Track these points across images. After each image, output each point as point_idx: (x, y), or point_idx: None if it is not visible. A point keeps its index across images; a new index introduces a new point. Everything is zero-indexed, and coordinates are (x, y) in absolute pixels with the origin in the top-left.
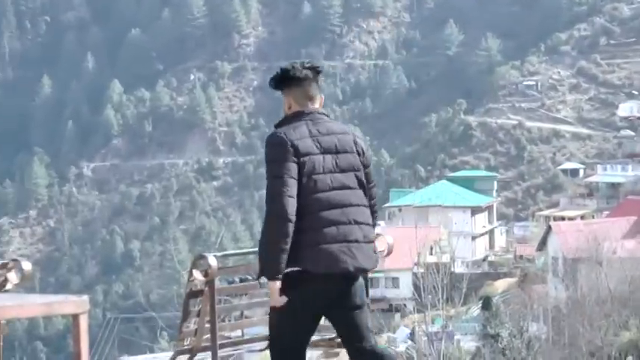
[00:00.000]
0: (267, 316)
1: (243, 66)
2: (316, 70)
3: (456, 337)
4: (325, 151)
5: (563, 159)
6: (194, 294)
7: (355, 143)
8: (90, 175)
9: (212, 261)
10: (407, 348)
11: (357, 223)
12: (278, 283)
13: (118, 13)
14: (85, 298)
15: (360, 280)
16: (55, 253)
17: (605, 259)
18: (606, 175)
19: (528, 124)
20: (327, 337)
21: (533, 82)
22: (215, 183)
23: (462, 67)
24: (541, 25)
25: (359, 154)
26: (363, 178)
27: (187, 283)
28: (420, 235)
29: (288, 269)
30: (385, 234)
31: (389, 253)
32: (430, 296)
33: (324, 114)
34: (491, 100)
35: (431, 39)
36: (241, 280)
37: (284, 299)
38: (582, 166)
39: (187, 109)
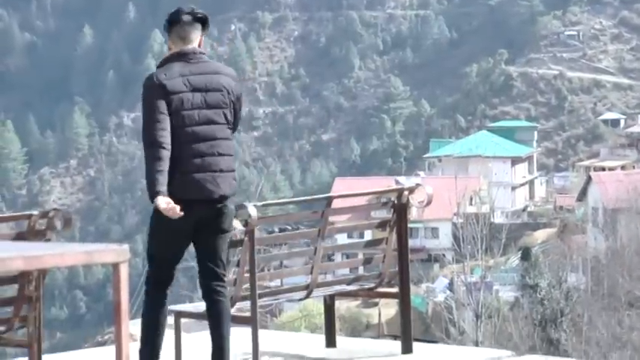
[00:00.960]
0: (306, 266)
1: (284, 16)
2: (195, 17)
3: (494, 288)
4: (194, 89)
5: (603, 109)
6: (234, 244)
7: (226, 83)
8: (130, 125)
9: (252, 211)
10: (446, 298)
11: (220, 154)
12: (160, 200)
13: None
14: (125, 247)
15: (228, 208)
16: (95, 203)
17: None
18: None
19: (569, 74)
20: (367, 286)
21: (575, 32)
22: (255, 133)
23: (503, 17)
24: None
25: (228, 93)
26: (230, 115)
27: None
28: (459, 186)
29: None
30: (425, 184)
31: (428, 203)
32: (469, 246)
33: (202, 54)
34: (533, 50)
35: None
36: (280, 230)
37: (172, 211)
38: (623, 116)
39: (228, 59)
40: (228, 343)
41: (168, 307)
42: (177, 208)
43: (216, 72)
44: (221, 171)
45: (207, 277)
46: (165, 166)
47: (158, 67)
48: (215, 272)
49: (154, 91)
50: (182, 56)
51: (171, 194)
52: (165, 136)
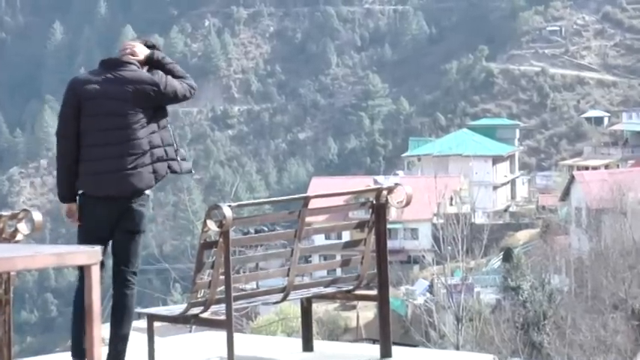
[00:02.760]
0: (283, 268)
1: (260, 11)
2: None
3: (475, 290)
4: (102, 97)
5: (587, 107)
6: (208, 245)
7: (135, 90)
8: None
9: (227, 211)
10: (425, 301)
11: (121, 156)
12: (66, 205)
13: None
14: (97, 248)
15: (137, 208)
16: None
17: (629, 210)
18: (631, 123)
19: (552, 70)
20: (345, 289)
21: (557, 28)
22: (230, 132)
23: (483, 12)
24: None
25: (134, 100)
26: (134, 120)
27: (201, 233)
28: (439, 185)
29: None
30: (404, 184)
31: (407, 203)
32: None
33: (127, 63)
34: (514, 46)
35: None
36: (256, 231)
37: (72, 218)
38: (607, 114)
39: (202, 55)
40: (126, 343)
41: (142, 310)
42: (76, 216)
43: (133, 81)
44: (118, 170)
45: (117, 273)
46: (71, 160)
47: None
48: (123, 271)
49: (69, 95)
50: (103, 64)
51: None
52: (70, 130)
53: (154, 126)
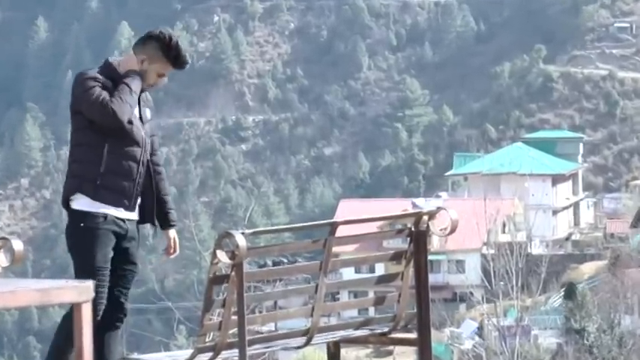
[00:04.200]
0: (306, 307)
1: (277, 5)
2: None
3: (533, 333)
4: None
5: None
6: (218, 279)
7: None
8: None
9: (240, 240)
10: (474, 345)
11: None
12: None
13: None
14: (89, 283)
15: (68, 221)
16: (51, 231)
17: None
18: None
19: (621, 74)
20: (379, 331)
21: (627, 25)
22: (243, 146)
23: (541, 5)
24: None
25: (72, 103)
26: (75, 123)
27: (210, 266)
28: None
29: None
30: (448, 207)
31: (452, 230)
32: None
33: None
34: (577, 45)
35: None
36: (274, 264)
37: None
38: None
39: (210, 57)
40: None
41: (140, 356)
42: None
43: None
44: (66, 178)
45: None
46: None
47: None
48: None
49: None
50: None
51: None
52: None
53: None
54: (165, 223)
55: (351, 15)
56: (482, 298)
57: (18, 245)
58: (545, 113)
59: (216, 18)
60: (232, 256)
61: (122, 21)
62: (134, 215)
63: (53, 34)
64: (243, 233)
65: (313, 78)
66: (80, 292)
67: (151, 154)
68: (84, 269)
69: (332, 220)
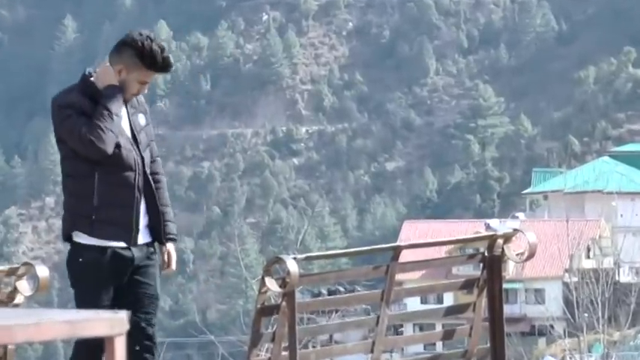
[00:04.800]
0: (366, 342)
1: (334, 2)
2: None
3: None
4: None
5: None
6: (267, 310)
7: None
8: None
9: (291, 266)
10: None
11: None
12: None
13: None
14: (123, 314)
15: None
16: None
17: None
18: None
19: None
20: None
21: None
22: (295, 160)
23: (630, 3)
24: None
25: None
26: (61, 150)
27: (258, 295)
28: (573, 232)
29: None
30: (525, 230)
31: (531, 255)
32: (586, 315)
33: None
34: None
35: None
36: (330, 293)
37: None
38: None
39: (258, 60)
40: None
41: None
42: None
43: None
44: (63, 211)
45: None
46: None
47: None
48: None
49: None
50: None
51: None
52: None
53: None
54: (163, 237)
55: (417, 13)
56: (564, 332)
57: (43, 272)
58: (634, 123)
59: (265, 16)
60: (283, 283)
61: (159, 20)
62: (141, 239)
63: (82, 34)
64: (295, 258)
65: (374, 84)
66: (113, 324)
67: (150, 162)
68: (83, 305)
69: (395, 244)
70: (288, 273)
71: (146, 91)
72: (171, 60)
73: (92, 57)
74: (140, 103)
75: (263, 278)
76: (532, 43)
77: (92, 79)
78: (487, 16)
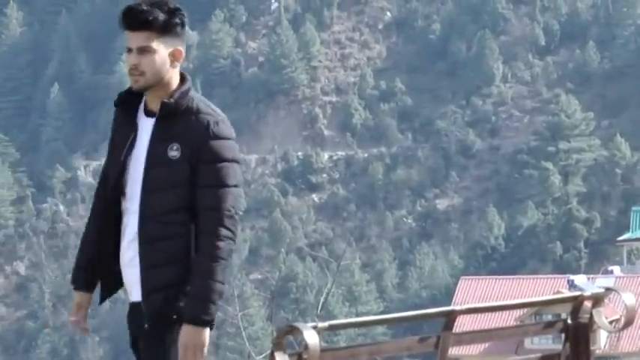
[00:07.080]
0: None
1: None
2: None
3: None
4: None
5: None
6: None
7: None
8: (89, 182)
9: (310, 337)
10: None
11: None
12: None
13: None
14: None
15: None
16: (28, 323)
17: None
18: None
19: None
20: None
21: None
22: (315, 196)
23: None
24: None
25: None
26: None
27: None
28: None
29: None
30: (621, 290)
31: (628, 323)
32: None
33: None
34: None
35: None
36: None
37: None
38: None
39: (265, 62)
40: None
41: None
42: None
43: None
44: None
45: None
46: None
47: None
48: None
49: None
50: None
51: None
52: None
53: None
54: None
55: (477, 1)
56: None
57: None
58: None
59: (274, 4)
60: (299, 358)
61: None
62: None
63: (31, 30)
64: (315, 327)
65: (420, 95)
66: None
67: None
68: None
69: (449, 308)
70: (306, 347)
71: (135, 62)
72: (141, 10)
73: (45, 59)
74: None
75: (272, 354)
76: (631, 41)
77: None
78: (571, 4)
